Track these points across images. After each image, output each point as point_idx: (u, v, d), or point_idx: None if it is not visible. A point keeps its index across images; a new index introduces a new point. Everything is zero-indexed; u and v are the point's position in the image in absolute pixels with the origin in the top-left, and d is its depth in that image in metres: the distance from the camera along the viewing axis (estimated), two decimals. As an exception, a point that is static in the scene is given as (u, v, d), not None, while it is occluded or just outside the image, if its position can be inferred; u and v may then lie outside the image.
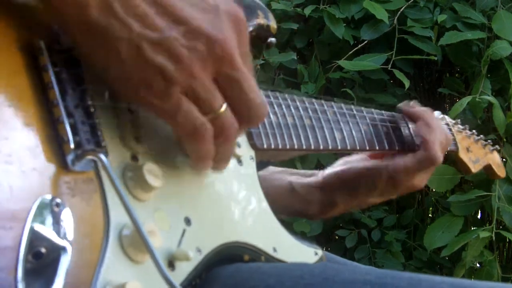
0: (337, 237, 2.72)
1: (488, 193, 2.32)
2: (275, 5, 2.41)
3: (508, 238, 2.50)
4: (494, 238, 2.29)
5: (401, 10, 2.42)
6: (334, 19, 2.42)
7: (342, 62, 2.38)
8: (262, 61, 2.44)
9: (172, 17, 0.60)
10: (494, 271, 2.35)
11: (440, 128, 1.09)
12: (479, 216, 2.72)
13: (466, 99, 2.26)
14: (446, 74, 2.83)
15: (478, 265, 2.50)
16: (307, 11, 2.40)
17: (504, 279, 2.46)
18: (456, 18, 2.41)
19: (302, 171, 1.12)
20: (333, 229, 2.66)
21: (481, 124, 2.40)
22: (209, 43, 0.61)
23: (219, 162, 0.68)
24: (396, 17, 2.42)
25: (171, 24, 0.60)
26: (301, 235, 2.49)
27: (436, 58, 2.45)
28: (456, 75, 2.83)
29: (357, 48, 2.48)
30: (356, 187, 1.06)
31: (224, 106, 0.64)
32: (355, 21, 2.50)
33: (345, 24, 2.47)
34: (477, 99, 2.27)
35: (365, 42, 2.48)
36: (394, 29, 2.43)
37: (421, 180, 1.07)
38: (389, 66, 2.39)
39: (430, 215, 2.84)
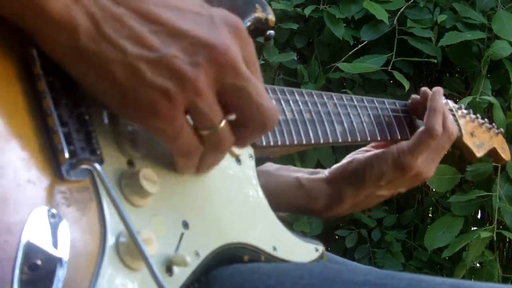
0: (337, 237, 2.71)
1: (488, 193, 2.31)
2: (275, 5, 2.41)
3: (509, 238, 2.49)
4: (495, 238, 2.29)
5: (401, 10, 2.42)
6: (334, 20, 2.42)
7: (341, 65, 2.37)
8: (262, 61, 2.44)
9: (168, 33, 0.58)
10: (495, 271, 2.35)
11: (440, 104, 1.08)
12: (479, 216, 2.71)
13: (466, 100, 2.26)
14: (446, 74, 2.83)
15: (478, 265, 2.50)
16: (307, 11, 2.40)
17: (505, 279, 2.45)
18: (456, 18, 2.40)
19: (307, 169, 1.11)
20: (333, 229, 2.66)
21: (481, 124, 2.40)
22: (210, 54, 0.58)
23: (207, 168, 0.68)
24: (396, 18, 2.42)
25: (168, 41, 0.57)
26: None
27: (435, 61, 2.45)
28: (456, 75, 2.83)
29: (357, 48, 2.48)
30: (363, 176, 1.05)
31: (224, 122, 0.62)
32: (355, 21, 2.50)
33: (345, 25, 2.46)
34: (477, 99, 2.27)
35: (365, 42, 2.47)
36: (394, 29, 2.43)
37: (427, 165, 1.06)
38: (389, 67, 2.39)
39: (430, 215, 2.84)
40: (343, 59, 2.45)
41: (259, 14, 0.82)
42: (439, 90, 1.10)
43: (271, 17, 0.84)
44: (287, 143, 0.85)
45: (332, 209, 1.07)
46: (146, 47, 0.57)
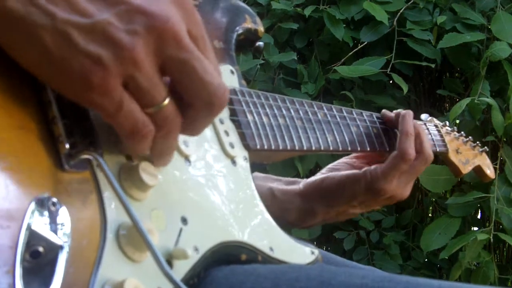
0: (336, 238, 2.72)
1: (486, 195, 2.32)
2: (275, 5, 2.41)
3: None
4: (492, 239, 2.30)
5: (400, 11, 2.42)
6: (334, 20, 2.42)
7: (340, 69, 2.37)
8: (262, 61, 2.44)
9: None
10: (491, 272, 2.35)
11: (411, 128, 1.08)
12: (478, 216, 2.72)
13: (465, 101, 2.27)
14: (445, 75, 2.83)
15: (477, 264, 2.50)
16: (307, 11, 2.41)
17: (501, 280, 2.46)
18: (456, 19, 2.41)
19: (285, 179, 1.13)
20: (332, 231, 2.66)
21: (480, 125, 2.41)
22: (149, 22, 0.54)
23: (163, 157, 0.62)
24: (395, 19, 2.42)
25: (103, 7, 0.53)
26: (300, 238, 2.50)
27: (433, 66, 2.46)
28: (456, 74, 2.84)
29: (356, 49, 2.48)
30: (335, 195, 1.07)
31: (168, 99, 0.57)
32: (355, 22, 2.50)
33: (344, 25, 2.47)
34: (475, 101, 2.27)
35: (365, 43, 2.48)
36: (394, 30, 2.44)
37: (402, 188, 1.07)
38: (389, 68, 2.40)
39: (430, 215, 2.84)
40: (342, 60, 2.45)
41: (249, 24, 0.82)
42: (409, 113, 1.10)
43: (260, 28, 0.84)
44: (280, 147, 0.85)
45: (305, 221, 1.08)
46: (78, 12, 0.53)
